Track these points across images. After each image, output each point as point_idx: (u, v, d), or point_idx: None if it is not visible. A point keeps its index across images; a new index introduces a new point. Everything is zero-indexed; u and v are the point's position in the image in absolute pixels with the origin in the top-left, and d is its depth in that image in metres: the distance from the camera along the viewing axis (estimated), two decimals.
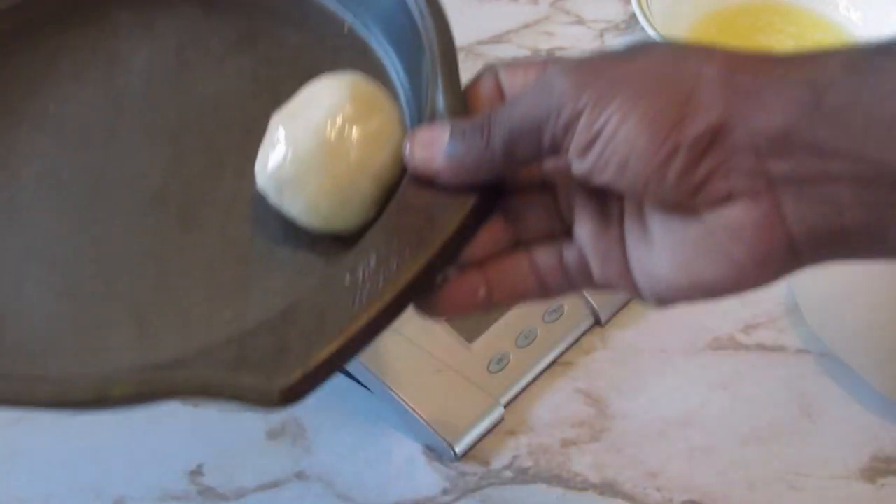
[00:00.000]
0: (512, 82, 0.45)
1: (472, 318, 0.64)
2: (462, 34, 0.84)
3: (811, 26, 0.81)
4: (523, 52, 0.82)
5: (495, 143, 0.41)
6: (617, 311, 0.66)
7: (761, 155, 0.38)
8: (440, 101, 0.44)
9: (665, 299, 0.42)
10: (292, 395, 0.39)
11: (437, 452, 0.60)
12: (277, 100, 0.45)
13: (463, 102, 0.44)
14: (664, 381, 0.63)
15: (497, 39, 0.83)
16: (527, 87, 0.42)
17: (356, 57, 0.50)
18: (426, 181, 0.43)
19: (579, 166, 0.40)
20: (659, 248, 0.41)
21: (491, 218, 0.44)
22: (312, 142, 0.43)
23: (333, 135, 0.43)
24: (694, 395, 0.62)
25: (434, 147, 0.43)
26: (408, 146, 0.44)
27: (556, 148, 0.41)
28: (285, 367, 0.39)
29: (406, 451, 0.61)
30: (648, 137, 0.38)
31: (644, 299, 0.43)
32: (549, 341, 0.64)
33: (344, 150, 0.43)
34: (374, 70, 0.49)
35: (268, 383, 0.39)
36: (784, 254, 0.39)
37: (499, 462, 0.60)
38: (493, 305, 0.45)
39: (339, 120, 0.43)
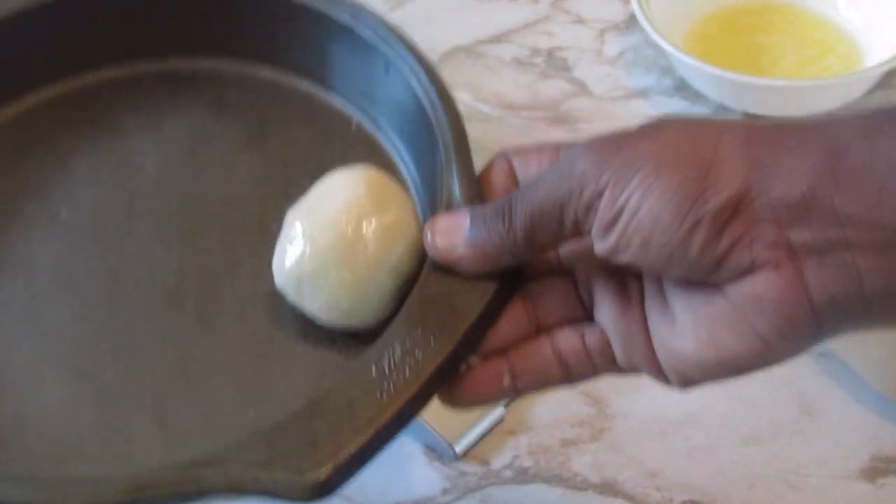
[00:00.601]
0: (525, 168, 0.45)
1: None
2: (462, 34, 0.84)
3: (811, 26, 0.81)
4: (524, 52, 0.82)
5: (517, 227, 0.41)
6: None
7: (782, 224, 0.38)
8: (456, 189, 0.44)
9: (690, 379, 0.42)
10: (324, 489, 0.40)
11: (437, 452, 0.60)
12: (290, 197, 0.46)
13: (479, 190, 0.44)
14: None
15: (497, 39, 0.83)
16: (542, 170, 0.42)
17: (365, 152, 0.51)
18: (446, 269, 0.43)
19: (602, 245, 0.40)
20: (682, 325, 0.41)
21: (510, 302, 0.44)
22: (330, 237, 0.44)
23: (350, 229, 0.44)
24: (694, 395, 0.62)
25: (455, 234, 0.43)
26: (428, 234, 0.43)
27: (578, 228, 0.41)
28: (316, 461, 0.39)
29: (406, 451, 0.61)
30: (671, 211, 0.38)
31: (669, 382, 0.43)
32: None
33: (362, 245, 0.43)
34: (383, 164, 0.50)
35: (299, 478, 0.39)
36: (808, 324, 0.39)
37: (499, 462, 0.60)
38: (519, 393, 0.45)
39: (355, 214, 0.44)
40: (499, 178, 0.45)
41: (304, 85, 0.53)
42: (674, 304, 0.41)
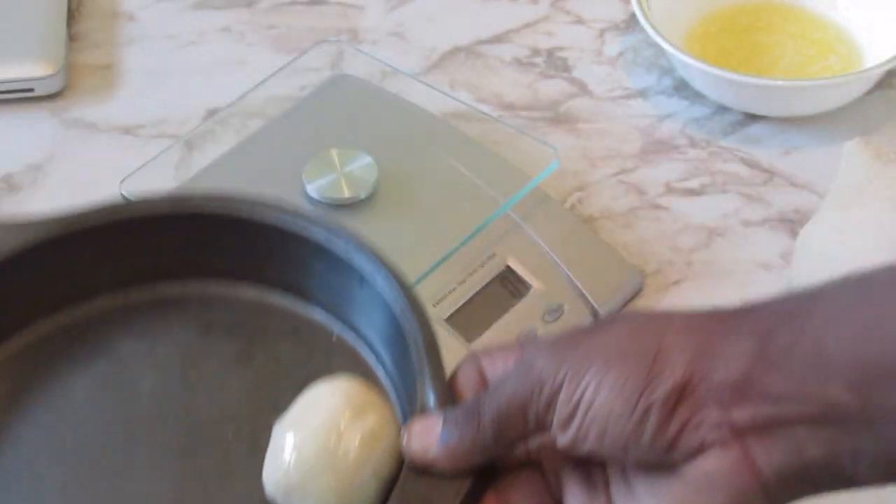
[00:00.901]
0: (493, 368, 0.47)
1: (471, 317, 0.64)
2: (462, 34, 0.84)
3: (811, 25, 0.81)
4: (524, 52, 0.82)
5: (486, 427, 0.44)
6: (617, 311, 0.66)
7: (724, 405, 0.41)
8: (429, 394, 0.47)
9: None
10: None
11: None
12: (278, 409, 0.49)
13: (449, 394, 0.47)
14: None
15: (497, 39, 0.84)
16: (508, 369, 0.45)
17: (346, 361, 0.54)
18: (423, 469, 0.46)
19: (563, 439, 0.43)
20: None
21: (484, 497, 0.46)
22: (315, 446, 0.46)
23: (334, 438, 0.46)
24: None
25: (429, 437, 0.45)
26: (405, 438, 0.46)
27: (541, 424, 0.43)
28: None
29: None
30: (623, 401, 0.41)
31: None
32: None
33: (344, 452, 0.46)
34: (363, 370, 0.53)
35: None
36: (759, 496, 0.41)
37: None
38: None
39: (337, 424, 0.47)
40: (468, 380, 0.47)
41: (287, 301, 0.56)
42: (637, 487, 0.44)
